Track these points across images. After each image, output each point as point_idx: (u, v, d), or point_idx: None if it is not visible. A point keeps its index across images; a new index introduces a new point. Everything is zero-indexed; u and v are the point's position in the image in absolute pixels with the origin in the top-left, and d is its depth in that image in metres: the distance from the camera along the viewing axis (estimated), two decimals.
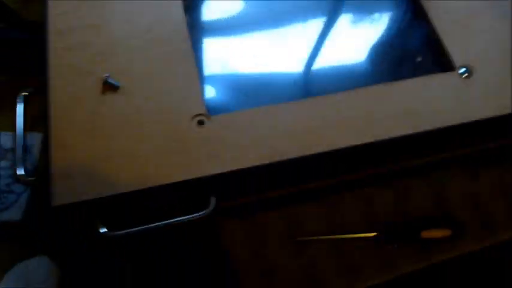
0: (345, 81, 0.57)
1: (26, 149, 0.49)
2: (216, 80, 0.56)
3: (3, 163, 0.61)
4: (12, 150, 0.62)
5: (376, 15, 0.64)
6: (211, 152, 0.47)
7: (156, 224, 0.45)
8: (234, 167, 0.47)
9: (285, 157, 0.48)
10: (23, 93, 0.50)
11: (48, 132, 0.48)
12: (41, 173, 0.47)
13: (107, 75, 0.50)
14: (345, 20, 0.64)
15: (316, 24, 0.62)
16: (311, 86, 0.57)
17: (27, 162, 0.61)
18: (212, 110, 0.50)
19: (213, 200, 0.46)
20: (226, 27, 0.61)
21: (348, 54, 0.60)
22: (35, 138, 0.62)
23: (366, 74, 0.58)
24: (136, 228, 0.44)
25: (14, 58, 0.65)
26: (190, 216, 0.45)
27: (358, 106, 0.51)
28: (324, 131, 0.50)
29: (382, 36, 0.62)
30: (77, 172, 0.45)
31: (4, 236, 0.59)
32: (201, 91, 0.51)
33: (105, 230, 0.44)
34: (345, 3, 0.65)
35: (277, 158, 0.48)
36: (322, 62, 0.59)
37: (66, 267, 0.56)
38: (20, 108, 0.49)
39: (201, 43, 0.58)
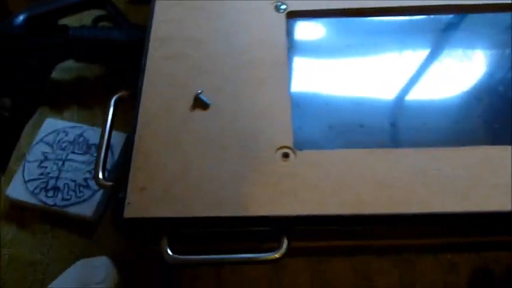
0: (453, 134, 0.51)
1: (108, 149, 0.48)
2: (307, 112, 0.53)
3: (86, 157, 0.62)
4: (96, 146, 0.64)
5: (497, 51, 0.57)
6: (292, 190, 0.44)
7: (224, 256, 0.42)
8: (314, 211, 0.43)
9: (369, 211, 0.43)
10: (118, 95, 0.50)
11: (132, 137, 0.47)
12: (118, 178, 0.46)
13: (200, 91, 0.49)
14: (460, 57, 0.58)
15: (426, 60, 0.57)
16: (412, 135, 0.52)
17: (108, 162, 0.62)
18: (298, 144, 0.47)
19: (285, 241, 0.43)
20: (328, 56, 0.58)
21: (461, 103, 0.54)
22: (119, 138, 0.63)
23: (481, 130, 0.52)
24: (202, 257, 0.42)
25: (114, 59, 0.67)
26: (262, 255, 0.42)
27: (464, 167, 0.45)
28: (418, 188, 0.44)
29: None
30: (153, 186, 0.44)
31: (75, 229, 0.60)
32: (291, 122, 0.48)
33: (171, 253, 0.42)
34: (460, 35, 0.59)
35: (360, 211, 0.43)
36: (429, 109, 0.54)
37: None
38: (111, 108, 0.49)
39: (298, 71, 0.55)
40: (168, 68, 0.52)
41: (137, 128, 0.48)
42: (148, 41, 0.54)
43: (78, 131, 0.64)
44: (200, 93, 0.49)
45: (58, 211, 0.59)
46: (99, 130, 0.65)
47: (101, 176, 0.46)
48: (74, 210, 0.58)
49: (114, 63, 0.70)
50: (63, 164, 0.62)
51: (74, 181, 0.60)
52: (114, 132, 0.61)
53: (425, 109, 0.54)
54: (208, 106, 0.49)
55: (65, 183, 0.60)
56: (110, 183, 0.46)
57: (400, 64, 0.58)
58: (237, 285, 0.56)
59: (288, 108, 0.49)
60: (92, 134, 0.65)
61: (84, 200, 0.59)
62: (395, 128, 0.52)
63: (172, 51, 0.53)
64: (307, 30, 0.60)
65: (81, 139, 0.64)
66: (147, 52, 0.53)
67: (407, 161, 0.46)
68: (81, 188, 0.60)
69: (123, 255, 0.58)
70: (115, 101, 0.50)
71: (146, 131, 0.48)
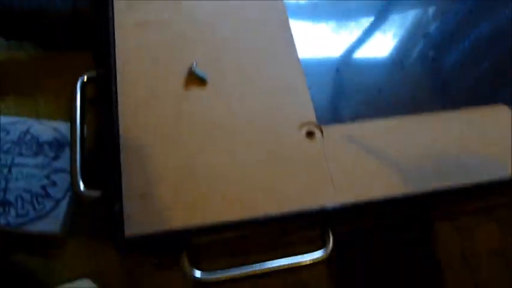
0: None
1: (83, 147, 0.38)
2: (318, 80, 0.44)
3: (39, 159, 0.50)
4: (49, 143, 0.51)
5: None
6: (327, 176, 0.37)
7: (263, 264, 0.34)
8: (354, 198, 0.36)
9: (422, 189, 0.37)
10: (85, 76, 0.38)
11: (114, 133, 0.37)
12: (104, 184, 0.36)
13: (194, 64, 0.39)
14: None
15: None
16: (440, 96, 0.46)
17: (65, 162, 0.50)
18: (322, 118, 0.40)
19: (330, 236, 0.36)
20: (329, 19, 0.50)
21: None
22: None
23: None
24: (239, 270, 0.33)
25: (56, 34, 0.53)
26: (306, 256, 0.34)
27: None
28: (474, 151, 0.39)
29: None
30: (156, 191, 0.35)
31: (37, 250, 0.48)
32: (308, 93, 0.40)
33: (197, 271, 0.33)
34: None
35: (412, 189, 0.37)
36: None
37: None
38: (78, 94, 0.37)
39: (301, 33, 0.47)
40: (144, 38, 0.41)
41: (120, 121, 0.37)
42: (111, 5, 0.42)
43: (22, 127, 0.51)
44: (195, 66, 0.39)
45: (12, 231, 0.47)
46: (49, 124, 0.53)
47: (82, 186, 0.35)
48: (35, 227, 0.46)
49: (56, 40, 0.56)
50: (9, 171, 0.49)
51: (28, 191, 0.48)
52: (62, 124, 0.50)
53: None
54: (206, 81, 0.39)
55: (17, 196, 0.47)
56: (96, 193, 0.35)
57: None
58: None
59: (301, 76, 0.41)
60: (40, 130, 0.52)
61: (47, 214, 0.47)
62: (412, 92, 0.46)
63: (145, 15, 0.42)
64: None
65: (28, 137, 0.51)
66: (112, 19, 0.41)
67: (451, 125, 0.40)
68: (40, 199, 0.48)
69: (104, 274, 0.48)
70: (81, 84, 0.39)
71: (132, 123, 0.37)
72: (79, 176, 0.36)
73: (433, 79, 0.47)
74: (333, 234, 0.36)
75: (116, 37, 0.41)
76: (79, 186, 0.35)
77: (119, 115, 0.37)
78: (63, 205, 0.48)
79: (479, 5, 0.51)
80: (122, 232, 0.33)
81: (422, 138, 0.40)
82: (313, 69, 0.44)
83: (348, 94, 0.44)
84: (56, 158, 0.50)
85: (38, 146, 0.50)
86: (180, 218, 0.34)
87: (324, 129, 0.39)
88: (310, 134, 0.39)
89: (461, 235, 0.54)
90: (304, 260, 0.35)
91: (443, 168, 0.38)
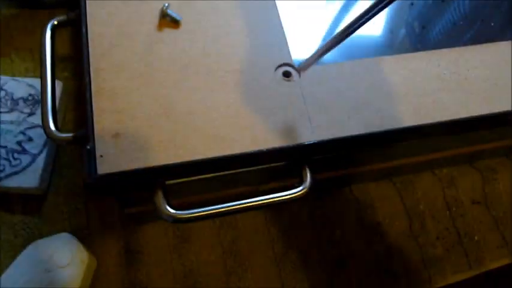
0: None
1: (54, 91, 0.37)
2: (297, 23, 0.44)
3: (14, 115, 0.49)
4: (24, 99, 0.50)
5: None
6: (304, 114, 0.36)
7: (241, 202, 0.33)
8: (331, 135, 0.36)
9: (392, 125, 0.37)
10: (55, 20, 0.37)
11: (85, 74, 0.36)
12: (77, 127, 0.35)
13: (166, 5, 0.38)
14: None
15: None
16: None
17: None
18: (298, 60, 0.39)
19: (308, 173, 0.35)
20: None
21: None
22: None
23: None
24: (214, 208, 0.33)
25: None
26: (285, 194, 0.34)
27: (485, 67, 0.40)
28: (440, 96, 0.39)
29: None
30: (129, 130, 0.34)
31: (16, 206, 0.47)
32: (284, 34, 0.40)
33: (171, 209, 0.32)
34: None
35: (384, 127, 0.37)
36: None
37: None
38: (47, 44, 0.36)
39: None
40: None
41: (91, 61, 0.36)
42: None
43: None
44: (167, 7, 0.38)
45: None
46: (24, 80, 0.51)
47: (52, 126, 0.35)
48: (12, 183, 0.46)
49: None
50: None
51: (4, 147, 0.47)
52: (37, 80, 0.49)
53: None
54: (180, 22, 0.38)
55: None
56: (68, 135, 0.35)
57: None
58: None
59: (277, 17, 0.40)
60: (15, 86, 0.50)
61: (24, 169, 0.46)
62: (394, 34, 0.45)
63: None
64: None
65: (2, 94, 0.50)
66: None
67: (420, 66, 0.40)
68: (16, 155, 0.47)
69: (86, 229, 0.47)
70: (52, 28, 0.38)
71: (104, 63, 0.36)
72: (50, 119, 0.35)
73: (413, 24, 0.47)
74: (310, 171, 0.36)
75: None
76: (51, 129, 0.35)
77: (90, 56, 0.36)
78: (40, 160, 0.47)
79: None
80: (94, 171, 0.32)
81: (399, 77, 0.39)
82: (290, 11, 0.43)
83: (326, 36, 0.43)
84: (31, 114, 0.49)
85: (13, 102, 0.49)
86: (154, 156, 0.33)
87: (300, 70, 0.38)
88: (287, 75, 0.38)
89: (443, 185, 0.54)
90: (283, 195, 0.34)
91: (421, 107, 0.38)
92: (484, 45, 0.42)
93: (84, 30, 0.37)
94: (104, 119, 0.34)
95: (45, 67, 0.36)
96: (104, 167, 0.33)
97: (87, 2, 0.38)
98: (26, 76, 0.53)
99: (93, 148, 0.33)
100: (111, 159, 0.33)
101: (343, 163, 0.46)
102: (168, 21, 0.38)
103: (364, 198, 0.53)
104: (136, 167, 0.33)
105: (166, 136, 0.34)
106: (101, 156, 0.33)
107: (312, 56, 0.37)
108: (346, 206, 0.52)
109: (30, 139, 0.48)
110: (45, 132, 0.34)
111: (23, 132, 0.48)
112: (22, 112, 0.49)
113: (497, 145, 0.52)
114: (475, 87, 0.40)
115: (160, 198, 0.33)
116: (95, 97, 0.35)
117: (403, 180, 0.54)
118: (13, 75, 0.52)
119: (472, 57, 0.41)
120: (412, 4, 0.48)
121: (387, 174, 0.53)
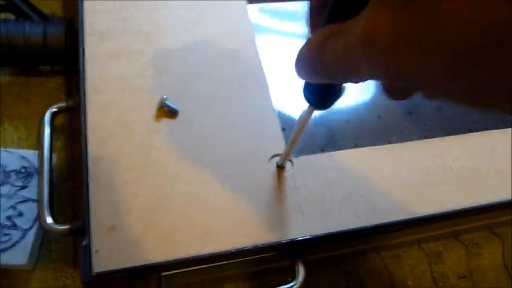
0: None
1: (52, 180, 0.37)
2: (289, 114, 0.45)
3: (5, 189, 0.49)
4: (16, 172, 0.50)
5: None
6: (295, 207, 0.37)
7: None
8: (327, 230, 0.37)
9: (385, 219, 0.38)
10: (55, 107, 0.38)
11: (83, 163, 0.36)
12: (74, 218, 0.35)
13: (165, 96, 0.39)
14: None
15: None
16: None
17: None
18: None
19: (301, 268, 0.36)
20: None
21: None
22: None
23: None
24: None
25: (23, 61, 0.53)
26: None
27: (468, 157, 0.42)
28: (426, 188, 0.40)
29: None
30: (126, 223, 0.34)
31: (8, 282, 0.46)
32: (279, 124, 0.41)
33: None
34: None
35: (374, 221, 0.38)
36: None
37: None
38: (46, 128, 0.37)
39: (271, 64, 0.48)
40: (115, 68, 0.41)
41: (89, 150, 0.37)
42: (82, 36, 0.42)
43: None
44: (165, 98, 0.39)
45: None
46: (16, 152, 0.51)
47: (49, 219, 0.35)
48: (2, 259, 0.45)
49: (25, 65, 0.55)
50: None
51: None
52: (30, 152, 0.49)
53: None
54: (177, 113, 0.40)
55: None
56: (64, 227, 0.35)
57: None
58: None
59: (271, 108, 0.42)
60: (7, 157, 0.50)
61: (13, 245, 0.46)
62: (382, 120, 0.47)
63: (116, 47, 0.42)
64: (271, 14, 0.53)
65: None
66: (83, 51, 0.41)
67: (410, 156, 0.42)
68: (6, 230, 0.46)
69: None
70: (51, 116, 0.38)
71: (101, 153, 0.37)
72: (47, 211, 0.35)
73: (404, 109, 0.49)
74: (304, 265, 0.36)
75: (86, 67, 0.41)
76: (46, 221, 0.35)
77: (88, 145, 0.37)
78: (30, 235, 0.46)
79: None
80: (90, 269, 0.32)
81: (390, 168, 0.41)
82: (284, 101, 0.45)
83: (319, 125, 0.45)
84: (23, 187, 0.49)
85: (5, 175, 0.49)
86: (150, 251, 0.34)
87: (294, 160, 0.39)
88: (280, 166, 0.39)
89: (430, 259, 0.55)
90: None
91: (408, 199, 0.39)
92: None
93: (83, 119, 0.38)
94: (100, 212, 0.35)
95: (42, 159, 0.36)
96: (100, 264, 0.33)
97: (86, 91, 0.39)
98: (18, 144, 0.53)
99: (89, 244, 0.33)
100: (106, 255, 0.33)
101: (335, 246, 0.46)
102: (165, 111, 0.39)
103: (355, 272, 0.53)
104: (132, 265, 0.33)
105: (162, 230, 0.34)
106: (97, 251, 0.33)
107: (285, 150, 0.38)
108: (337, 281, 0.52)
109: (20, 214, 0.48)
110: (41, 226, 0.34)
111: (13, 207, 0.48)
112: (13, 185, 0.49)
113: (480, 224, 0.54)
114: (459, 178, 0.41)
115: None
116: (91, 189, 0.35)
117: (391, 255, 0.55)
118: (5, 144, 0.53)
119: (457, 148, 0.43)
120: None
121: (376, 248, 0.54)
